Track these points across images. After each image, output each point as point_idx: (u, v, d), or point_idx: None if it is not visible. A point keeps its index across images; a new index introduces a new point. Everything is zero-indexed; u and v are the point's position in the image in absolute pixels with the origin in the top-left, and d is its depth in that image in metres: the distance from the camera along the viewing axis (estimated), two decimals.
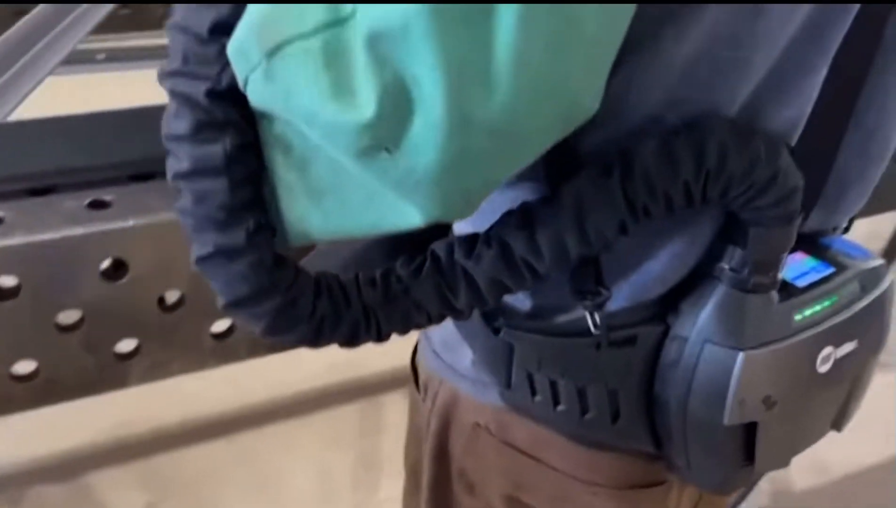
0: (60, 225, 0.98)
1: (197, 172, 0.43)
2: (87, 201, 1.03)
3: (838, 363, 0.58)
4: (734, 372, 0.54)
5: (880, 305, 0.60)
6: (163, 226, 1.00)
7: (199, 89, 0.42)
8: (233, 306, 0.46)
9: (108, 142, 1.13)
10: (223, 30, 0.41)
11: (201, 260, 0.45)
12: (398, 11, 0.35)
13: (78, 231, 0.98)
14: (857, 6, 0.51)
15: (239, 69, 0.40)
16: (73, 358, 1.02)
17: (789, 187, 0.50)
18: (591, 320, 0.54)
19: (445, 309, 0.51)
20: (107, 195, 1.03)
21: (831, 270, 0.59)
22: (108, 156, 1.10)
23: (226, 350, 1.13)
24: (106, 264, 1.01)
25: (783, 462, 0.61)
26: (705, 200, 0.49)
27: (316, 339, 0.49)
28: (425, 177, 0.39)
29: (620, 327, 0.55)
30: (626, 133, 0.48)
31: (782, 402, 0.56)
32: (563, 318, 0.57)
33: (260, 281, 0.45)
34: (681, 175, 0.47)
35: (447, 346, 0.66)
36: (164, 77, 0.43)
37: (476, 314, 0.57)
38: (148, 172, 1.09)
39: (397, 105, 0.37)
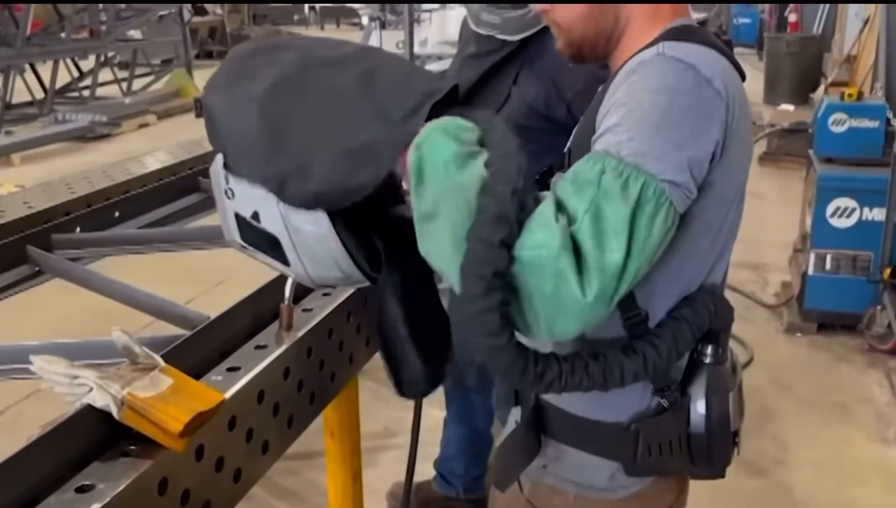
0: None
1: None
2: None
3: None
4: (730, 402, 1.16)
5: None
6: None
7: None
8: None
9: None
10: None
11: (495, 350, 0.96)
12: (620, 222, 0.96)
13: None
14: None
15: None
16: None
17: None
18: (666, 403, 1.15)
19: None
20: None
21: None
22: None
23: None
24: None
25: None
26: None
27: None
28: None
29: (676, 401, 1.15)
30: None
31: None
32: (650, 406, 1.16)
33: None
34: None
35: (578, 468, 1.22)
36: None
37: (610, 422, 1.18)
38: None
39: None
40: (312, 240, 1.18)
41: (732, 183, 1.12)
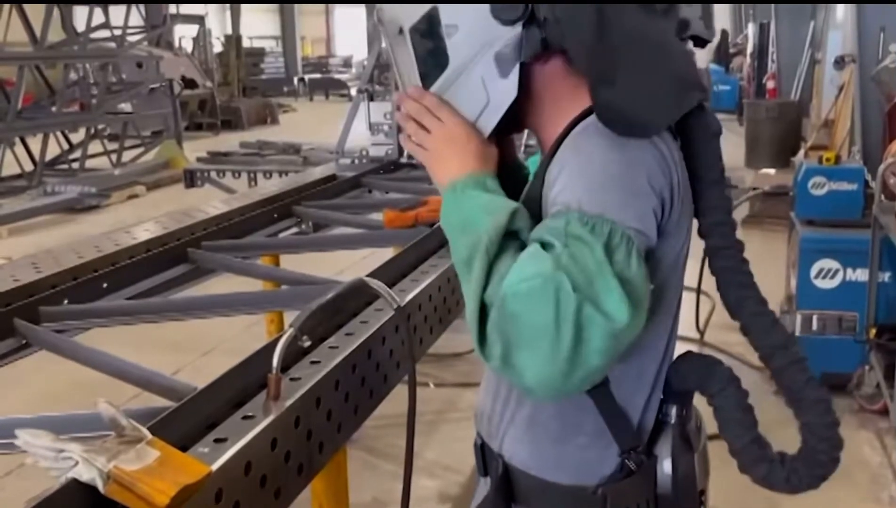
0: None
1: None
2: None
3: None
4: (696, 462, 1.18)
5: None
6: None
7: None
8: None
9: None
10: None
11: None
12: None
13: None
14: None
15: None
16: None
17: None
18: (633, 465, 1.14)
19: None
20: None
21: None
22: None
23: None
24: None
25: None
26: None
27: None
28: None
29: (643, 463, 1.15)
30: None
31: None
32: (616, 468, 1.15)
33: None
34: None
35: None
36: None
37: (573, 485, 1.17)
38: None
39: None
40: (477, 91, 1.14)
41: (675, 245, 1.14)
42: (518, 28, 1.11)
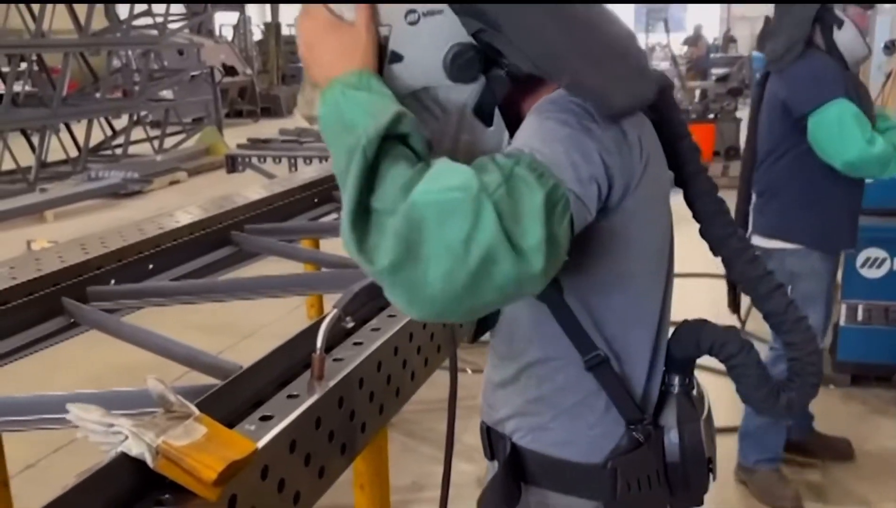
0: None
1: None
2: None
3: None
4: (702, 430, 1.19)
5: None
6: None
7: None
8: None
9: None
10: None
11: None
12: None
13: None
14: None
15: None
16: None
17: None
18: (641, 437, 1.16)
19: None
20: None
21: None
22: None
23: None
24: None
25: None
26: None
27: None
28: None
29: (650, 434, 1.17)
30: None
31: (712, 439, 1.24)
32: (625, 441, 1.16)
33: None
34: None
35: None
36: None
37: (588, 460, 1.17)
38: None
39: None
40: (477, 152, 1.08)
41: (654, 209, 1.14)
42: (482, 78, 1.08)
